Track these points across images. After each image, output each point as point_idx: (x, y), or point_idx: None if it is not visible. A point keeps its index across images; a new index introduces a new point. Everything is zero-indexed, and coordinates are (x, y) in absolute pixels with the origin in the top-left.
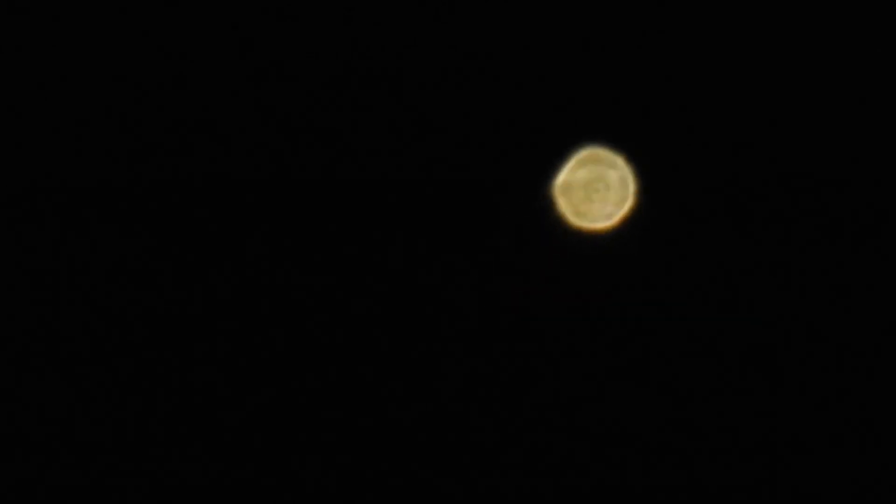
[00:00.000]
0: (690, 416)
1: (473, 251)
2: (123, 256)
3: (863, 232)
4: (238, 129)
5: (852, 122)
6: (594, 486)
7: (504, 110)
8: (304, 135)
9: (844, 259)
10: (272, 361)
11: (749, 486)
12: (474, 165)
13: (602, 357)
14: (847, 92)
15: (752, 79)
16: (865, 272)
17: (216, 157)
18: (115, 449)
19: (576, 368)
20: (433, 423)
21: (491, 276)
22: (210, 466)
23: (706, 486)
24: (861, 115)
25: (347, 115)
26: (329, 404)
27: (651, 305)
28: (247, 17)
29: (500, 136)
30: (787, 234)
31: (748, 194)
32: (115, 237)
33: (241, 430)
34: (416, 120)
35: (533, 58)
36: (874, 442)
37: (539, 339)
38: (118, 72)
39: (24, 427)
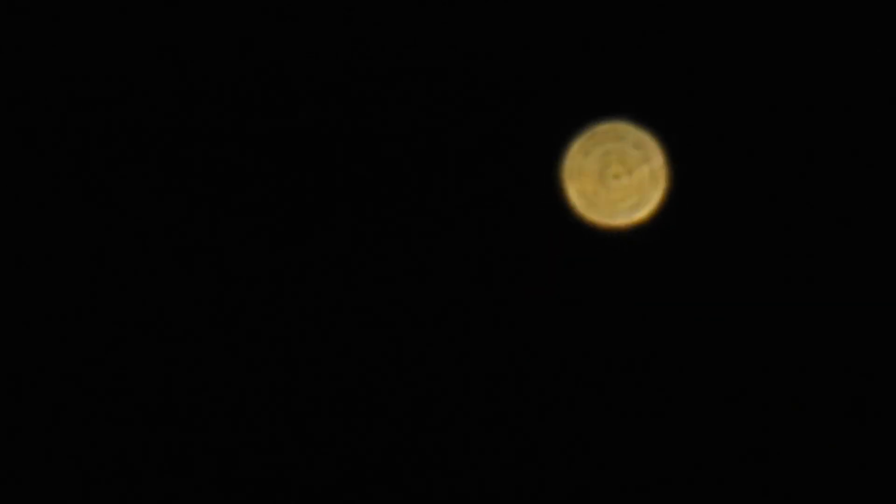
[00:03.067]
0: (706, 431)
1: (466, 247)
2: (122, 255)
3: None
4: (239, 126)
5: None
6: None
7: (503, 73)
8: (303, 130)
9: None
10: (275, 358)
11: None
12: (466, 142)
13: (625, 378)
14: None
15: (812, 51)
16: None
17: (216, 156)
18: (115, 448)
19: (588, 386)
20: (432, 423)
21: (486, 278)
22: (210, 466)
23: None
24: None
25: (350, 85)
26: (328, 401)
27: (679, 321)
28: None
29: (496, 107)
30: (846, 239)
31: (807, 188)
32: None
33: (240, 429)
34: (410, 89)
35: (540, 12)
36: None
37: (544, 354)
38: (118, 70)
39: (24, 427)
